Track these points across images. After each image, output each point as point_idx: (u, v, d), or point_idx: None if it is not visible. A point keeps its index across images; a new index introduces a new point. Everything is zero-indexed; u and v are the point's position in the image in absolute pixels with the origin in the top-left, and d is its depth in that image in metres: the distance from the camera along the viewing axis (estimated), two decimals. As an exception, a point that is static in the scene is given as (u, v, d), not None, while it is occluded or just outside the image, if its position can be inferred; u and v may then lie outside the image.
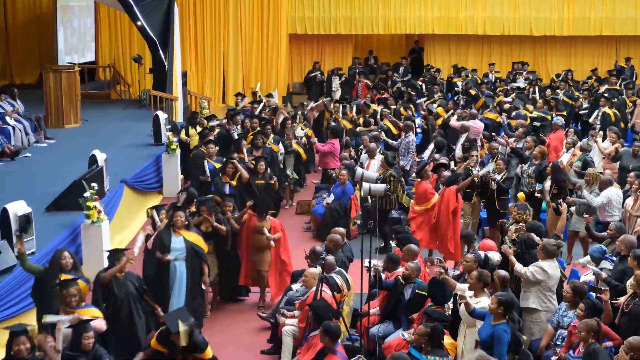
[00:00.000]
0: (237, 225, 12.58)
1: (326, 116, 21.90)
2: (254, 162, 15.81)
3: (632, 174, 14.60)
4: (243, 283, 12.90)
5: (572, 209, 15.47)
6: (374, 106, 22.40)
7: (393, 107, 22.40)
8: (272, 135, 17.92)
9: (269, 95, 23.43)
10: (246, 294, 13.21)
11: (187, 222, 11.44)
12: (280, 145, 17.78)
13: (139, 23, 22.30)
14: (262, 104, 21.46)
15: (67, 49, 27.38)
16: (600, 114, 20.93)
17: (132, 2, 21.57)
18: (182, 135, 19.07)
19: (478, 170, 15.32)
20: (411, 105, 22.44)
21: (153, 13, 22.67)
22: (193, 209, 12.69)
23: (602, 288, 9.80)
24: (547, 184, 14.80)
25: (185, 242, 11.29)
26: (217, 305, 12.86)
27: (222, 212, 12.62)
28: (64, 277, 9.75)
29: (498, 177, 15.03)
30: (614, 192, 14.21)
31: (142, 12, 22.02)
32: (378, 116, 21.28)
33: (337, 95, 27.59)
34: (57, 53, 26.82)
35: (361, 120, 21.05)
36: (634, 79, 28.09)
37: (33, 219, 11.98)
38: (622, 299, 9.82)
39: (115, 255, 10.34)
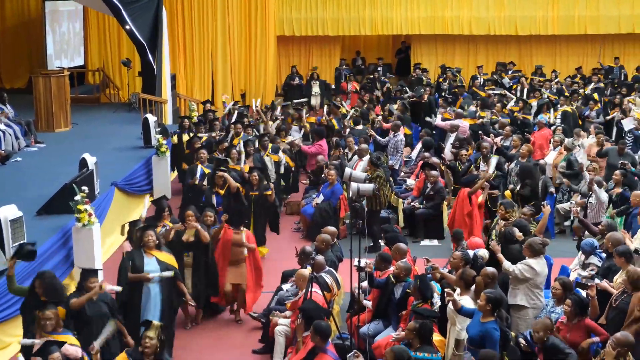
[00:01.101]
0: (208, 238, 11.98)
1: (288, 120, 21.92)
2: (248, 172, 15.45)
3: (617, 171, 14.75)
4: (217, 301, 12.54)
5: (566, 205, 15.66)
6: (343, 109, 22.42)
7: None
8: (270, 145, 17.45)
9: (235, 104, 23.07)
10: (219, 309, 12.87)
11: (157, 241, 10.91)
12: (280, 154, 17.35)
13: (127, 27, 22.36)
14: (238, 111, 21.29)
15: (56, 53, 27.44)
16: (560, 112, 21.20)
17: (120, 6, 21.62)
18: (174, 139, 19.06)
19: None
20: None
21: (141, 17, 22.72)
22: (167, 222, 12.38)
23: (589, 284, 9.92)
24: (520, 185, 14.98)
25: (160, 263, 10.74)
26: (197, 322, 12.42)
27: (203, 222, 12.23)
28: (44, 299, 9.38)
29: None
30: (605, 194, 14.34)
31: (130, 16, 22.07)
32: (349, 117, 21.34)
33: (318, 100, 27.54)
34: (46, 57, 26.90)
35: (334, 121, 21.05)
36: (621, 79, 28.20)
37: (24, 223, 12.02)
38: (606, 284, 9.99)
39: (87, 274, 9.82)
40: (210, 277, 12.11)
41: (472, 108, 21.08)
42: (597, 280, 10.27)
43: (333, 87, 29.48)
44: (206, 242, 11.86)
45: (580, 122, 21.00)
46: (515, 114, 21.61)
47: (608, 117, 21.05)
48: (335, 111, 21.81)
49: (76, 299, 9.52)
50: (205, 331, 12.12)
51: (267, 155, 16.98)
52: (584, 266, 11.54)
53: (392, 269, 11.12)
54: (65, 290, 9.87)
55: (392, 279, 10.84)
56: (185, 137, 18.71)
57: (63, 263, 13.09)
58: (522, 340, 9.42)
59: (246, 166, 15.79)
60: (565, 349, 8.87)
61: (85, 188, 13.30)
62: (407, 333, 9.20)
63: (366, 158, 16.40)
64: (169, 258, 10.92)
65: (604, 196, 14.34)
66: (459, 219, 14.79)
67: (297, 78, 29.11)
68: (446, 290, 9.84)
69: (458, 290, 10.08)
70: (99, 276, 9.98)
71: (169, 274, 10.66)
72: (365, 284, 11.29)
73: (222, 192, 14.44)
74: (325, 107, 22.33)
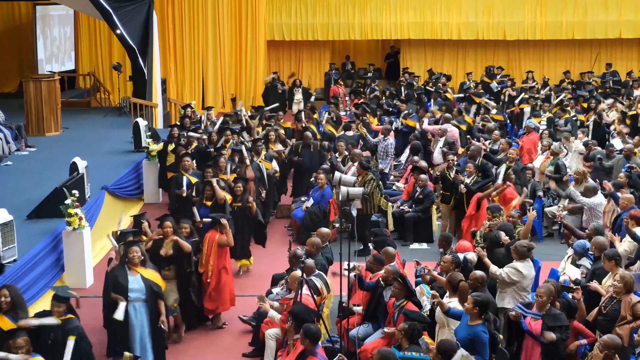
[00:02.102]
0: (189, 248, 11.56)
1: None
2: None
3: (622, 174, 14.80)
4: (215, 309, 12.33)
5: (554, 208, 15.71)
6: (316, 115, 22.35)
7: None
8: (264, 152, 17.05)
9: (209, 109, 22.74)
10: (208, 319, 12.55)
11: (142, 257, 10.37)
12: (274, 162, 17.02)
13: (118, 31, 22.40)
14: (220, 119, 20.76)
15: (47, 57, 27.51)
16: (545, 118, 21.35)
17: (111, 11, 21.65)
18: (160, 146, 18.58)
19: (455, 173, 15.56)
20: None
21: (132, 21, 22.76)
22: (144, 238, 11.82)
23: (574, 287, 9.99)
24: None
25: (144, 281, 10.21)
26: (180, 337, 11.95)
27: (179, 234, 11.71)
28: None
29: (467, 181, 15.23)
30: (598, 200, 14.34)
31: (121, 21, 22.10)
32: (324, 121, 21.23)
33: (300, 107, 27.40)
34: (37, 62, 26.98)
35: (312, 125, 20.92)
36: (611, 84, 28.23)
37: (15, 227, 12.05)
38: (597, 285, 10.08)
39: (55, 299, 9.26)
40: (197, 290, 11.93)
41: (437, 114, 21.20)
42: (590, 283, 10.33)
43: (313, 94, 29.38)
44: (188, 252, 11.50)
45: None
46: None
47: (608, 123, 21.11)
48: (311, 116, 21.74)
49: (23, 320, 9.03)
50: (195, 335, 12.12)
51: (260, 162, 16.68)
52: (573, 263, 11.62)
53: (381, 272, 11.18)
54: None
55: (382, 282, 10.91)
56: (171, 147, 18.11)
57: (53, 267, 13.14)
58: (512, 313, 9.47)
59: (232, 176, 15.36)
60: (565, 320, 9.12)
61: (75, 192, 13.36)
62: (397, 334, 9.27)
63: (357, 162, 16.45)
64: (154, 275, 10.46)
65: (587, 201, 14.34)
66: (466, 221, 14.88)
67: (279, 84, 28.85)
68: (432, 292, 9.93)
69: (447, 293, 10.16)
70: (65, 303, 9.25)
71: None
72: (352, 274, 11.25)
73: (209, 203, 13.75)
74: (302, 112, 22.10)
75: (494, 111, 22.65)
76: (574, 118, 21.56)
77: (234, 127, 19.48)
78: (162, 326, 10.46)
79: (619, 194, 13.57)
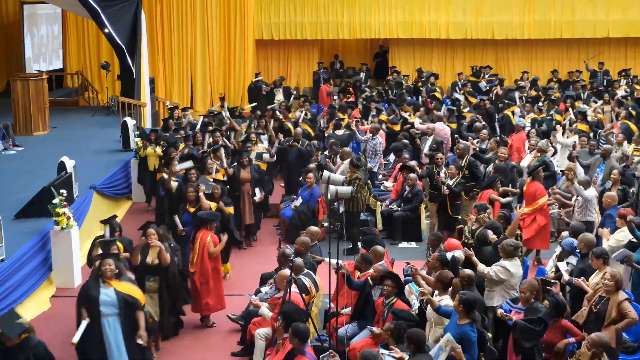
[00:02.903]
0: (169, 260, 11.21)
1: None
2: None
3: (615, 171, 14.87)
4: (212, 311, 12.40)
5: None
6: (291, 115, 22.30)
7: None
8: (253, 153, 16.90)
9: (185, 109, 22.46)
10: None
11: (117, 271, 9.85)
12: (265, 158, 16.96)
13: (106, 30, 22.37)
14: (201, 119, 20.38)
15: (34, 56, 27.42)
16: (530, 119, 21.48)
17: (99, 10, 21.61)
18: (142, 152, 18.16)
19: (443, 173, 15.55)
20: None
21: (120, 20, 22.73)
22: (121, 248, 11.50)
23: (552, 281, 10.03)
24: None
25: (117, 294, 9.65)
26: (158, 347, 11.55)
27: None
28: None
29: (450, 182, 15.22)
30: (591, 193, 14.39)
31: (109, 19, 22.08)
32: (300, 120, 21.11)
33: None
34: (24, 61, 26.87)
35: (288, 123, 20.86)
36: (604, 84, 28.33)
37: (2, 226, 12.02)
38: (582, 282, 10.14)
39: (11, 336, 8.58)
40: (175, 300, 11.68)
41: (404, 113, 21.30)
42: (573, 279, 10.38)
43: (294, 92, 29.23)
44: (166, 265, 11.17)
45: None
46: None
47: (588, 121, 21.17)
48: (286, 114, 21.63)
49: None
50: (183, 334, 12.08)
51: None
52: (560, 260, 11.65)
53: (370, 271, 11.18)
54: None
55: (370, 282, 10.91)
56: (150, 150, 17.96)
57: (41, 266, 13.12)
58: (500, 311, 9.49)
59: (209, 176, 15.19)
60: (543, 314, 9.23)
61: (63, 191, 13.34)
62: (383, 333, 9.29)
63: (347, 161, 16.43)
64: (128, 288, 9.90)
65: (587, 194, 14.40)
66: None
67: (263, 85, 28.58)
68: (420, 289, 9.93)
69: (437, 292, 10.16)
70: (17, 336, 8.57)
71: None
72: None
73: (192, 210, 13.45)
74: (277, 111, 21.95)
75: (466, 109, 22.71)
76: (550, 117, 21.72)
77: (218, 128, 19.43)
78: (140, 341, 9.89)
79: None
